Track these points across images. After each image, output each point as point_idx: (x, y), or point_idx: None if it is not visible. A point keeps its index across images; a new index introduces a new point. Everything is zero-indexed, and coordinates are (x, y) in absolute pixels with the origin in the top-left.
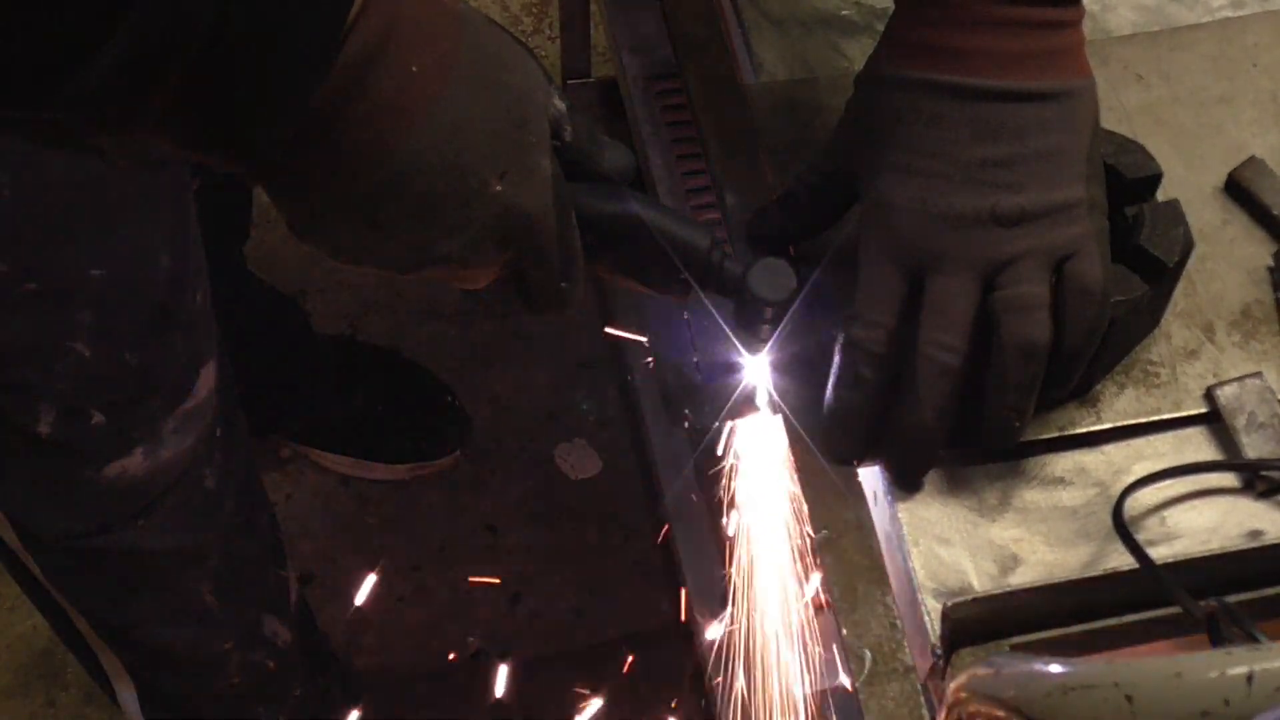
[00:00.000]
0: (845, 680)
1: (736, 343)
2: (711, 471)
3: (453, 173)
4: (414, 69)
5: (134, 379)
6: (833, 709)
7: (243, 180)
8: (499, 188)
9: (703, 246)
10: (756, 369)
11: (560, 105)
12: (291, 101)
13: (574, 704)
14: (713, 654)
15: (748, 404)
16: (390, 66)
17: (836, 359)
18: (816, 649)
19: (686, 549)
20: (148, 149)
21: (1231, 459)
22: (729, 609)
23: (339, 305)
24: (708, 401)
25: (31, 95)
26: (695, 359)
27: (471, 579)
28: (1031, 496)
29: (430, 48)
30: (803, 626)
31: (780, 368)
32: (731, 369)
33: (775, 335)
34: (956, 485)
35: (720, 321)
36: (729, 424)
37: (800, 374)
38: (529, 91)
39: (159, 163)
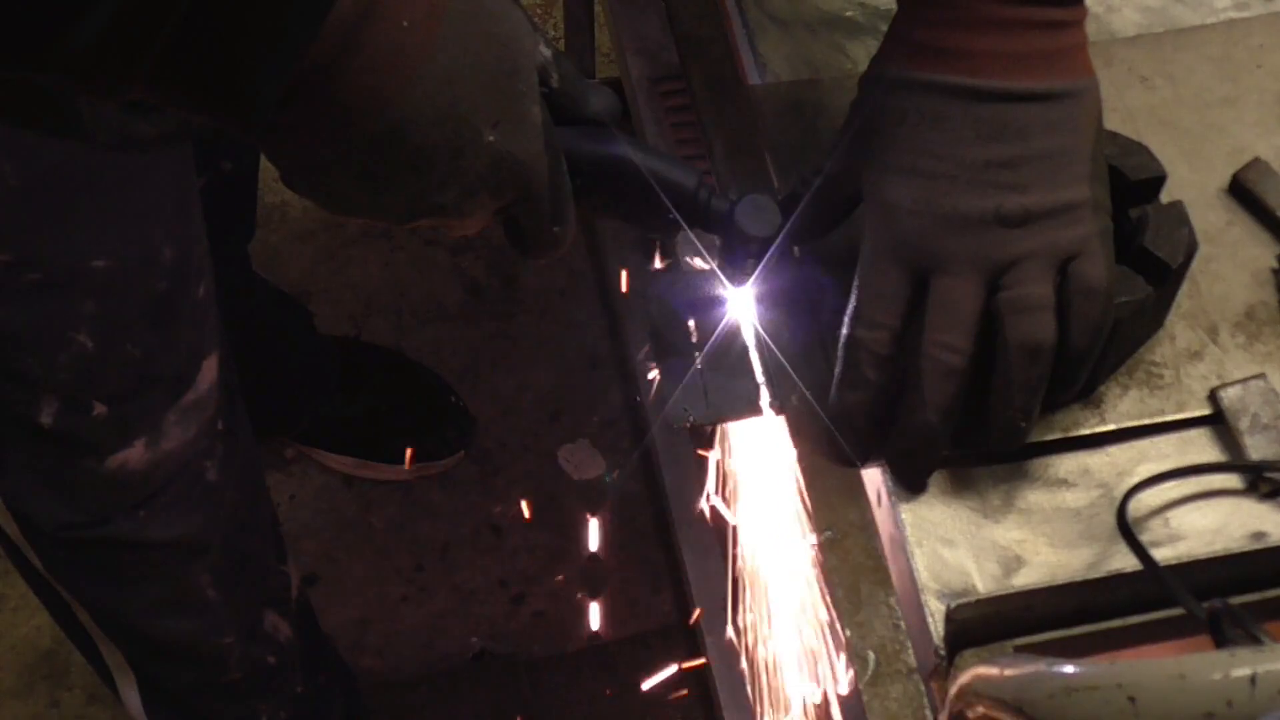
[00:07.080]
0: (849, 681)
1: (721, 276)
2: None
3: (446, 124)
4: (405, 23)
5: (136, 370)
6: (837, 710)
7: (237, 135)
8: (491, 137)
9: (690, 185)
10: (741, 301)
11: (546, 52)
12: (283, 58)
13: (577, 704)
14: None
15: (750, 406)
16: (382, 21)
17: (840, 359)
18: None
19: (691, 552)
20: (131, 129)
21: (1235, 460)
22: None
23: (343, 306)
24: (693, 336)
25: (24, 56)
26: (683, 296)
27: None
28: (1035, 498)
29: (420, 0)
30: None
31: (763, 299)
32: (717, 302)
33: (760, 268)
34: (960, 486)
35: (706, 256)
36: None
37: (782, 305)
38: (517, 40)
39: (143, 144)
